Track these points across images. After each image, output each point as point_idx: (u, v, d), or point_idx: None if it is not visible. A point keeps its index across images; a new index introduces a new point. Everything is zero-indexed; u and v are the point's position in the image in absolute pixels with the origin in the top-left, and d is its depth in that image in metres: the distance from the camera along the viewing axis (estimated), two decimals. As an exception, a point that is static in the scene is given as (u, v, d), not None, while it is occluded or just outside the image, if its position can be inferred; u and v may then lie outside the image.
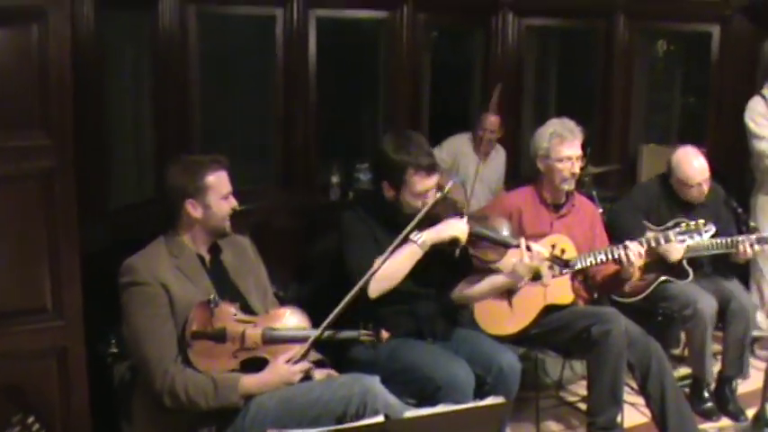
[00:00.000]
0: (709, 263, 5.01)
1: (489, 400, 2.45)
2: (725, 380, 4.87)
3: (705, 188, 4.80)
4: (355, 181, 6.05)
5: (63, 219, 3.25)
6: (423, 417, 2.32)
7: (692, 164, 4.78)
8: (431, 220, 3.52)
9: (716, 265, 5.01)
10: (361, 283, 3.23)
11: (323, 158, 6.05)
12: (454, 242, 3.52)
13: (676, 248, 4.49)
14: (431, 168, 3.57)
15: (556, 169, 4.19)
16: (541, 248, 3.64)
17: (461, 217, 3.58)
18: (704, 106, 7.09)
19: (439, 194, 3.53)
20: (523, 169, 6.46)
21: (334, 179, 5.99)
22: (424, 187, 3.56)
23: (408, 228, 3.39)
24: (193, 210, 3.15)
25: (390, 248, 3.33)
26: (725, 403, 4.83)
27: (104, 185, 4.47)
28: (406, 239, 3.42)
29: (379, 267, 3.32)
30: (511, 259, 3.69)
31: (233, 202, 3.23)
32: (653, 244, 4.17)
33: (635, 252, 4.05)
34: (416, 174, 3.54)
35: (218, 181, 3.17)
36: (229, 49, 5.75)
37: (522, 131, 6.82)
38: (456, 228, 3.52)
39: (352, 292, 3.16)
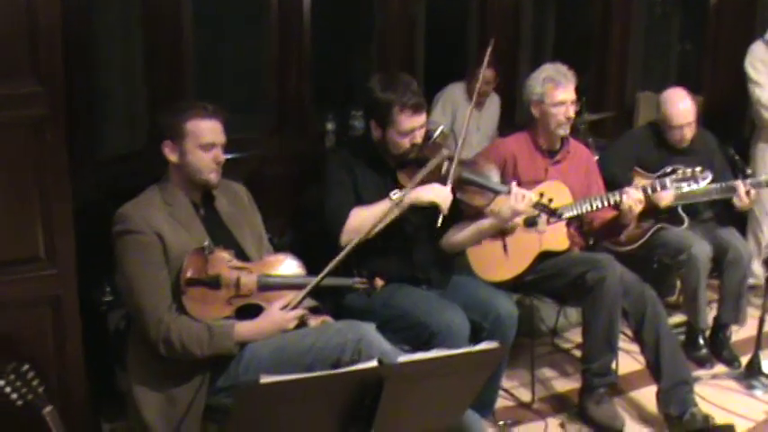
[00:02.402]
0: (709, 209, 5.01)
1: (483, 345, 2.44)
2: (720, 326, 4.91)
3: (687, 133, 4.80)
4: (350, 128, 6.00)
5: (54, 166, 3.21)
6: (416, 361, 2.31)
7: (677, 105, 4.77)
8: (419, 163, 3.50)
9: (716, 213, 5.01)
10: (362, 236, 3.19)
11: (318, 106, 5.99)
12: (434, 207, 3.48)
13: (666, 195, 4.49)
14: (417, 107, 3.56)
15: (551, 114, 4.17)
16: (529, 193, 3.63)
17: (451, 161, 3.55)
18: (701, 53, 7.03)
19: (443, 150, 3.51)
20: (519, 115, 6.43)
21: (330, 126, 5.93)
22: (410, 125, 3.55)
23: (410, 183, 3.40)
24: (170, 152, 3.11)
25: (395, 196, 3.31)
26: (719, 349, 4.88)
27: (96, 134, 4.43)
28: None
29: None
30: (498, 203, 3.67)
31: (217, 156, 3.13)
32: (649, 191, 4.15)
33: (634, 198, 4.02)
34: (402, 112, 3.53)
35: (198, 129, 3.08)
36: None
37: (518, 78, 6.75)
38: (438, 194, 3.48)
39: (353, 243, 3.12)
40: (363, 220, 3.36)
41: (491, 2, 6.72)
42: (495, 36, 6.25)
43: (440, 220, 3.48)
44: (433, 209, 3.48)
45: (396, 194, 3.44)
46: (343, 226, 3.48)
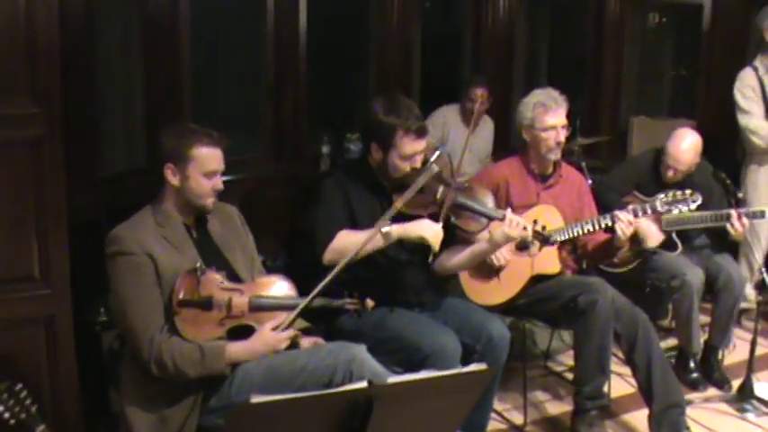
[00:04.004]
0: (703, 236, 5.05)
1: (473, 367, 2.46)
2: (711, 349, 4.93)
3: (674, 174, 4.85)
4: (345, 151, 6.03)
5: (51, 187, 3.23)
6: (406, 382, 2.33)
7: (678, 145, 4.84)
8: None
9: (710, 240, 5.05)
10: (348, 260, 3.20)
11: (313, 129, 6.02)
12: (423, 242, 3.47)
13: (654, 235, 4.51)
14: (420, 132, 3.57)
15: (541, 139, 4.20)
16: (523, 221, 3.61)
17: (446, 186, 3.57)
18: (695, 78, 7.09)
19: (432, 167, 3.51)
20: (513, 139, 6.47)
21: (325, 149, 5.96)
22: (412, 150, 3.56)
23: (400, 200, 3.36)
24: (172, 176, 3.12)
25: (386, 215, 3.30)
26: (710, 372, 4.90)
27: (94, 154, 4.45)
28: (408, 216, 3.41)
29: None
30: (492, 229, 3.69)
31: (217, 183, 3.16)
32: (640, 213, 4.17)
33: (625, 221, 4.04)
34: (406, 136, 3.54)
35: (203, 156, 3.10)
36: (220, 18, 5.72)
37: (512, 102, 6.80)
38: (426, 230, 3.46)
39: (341, 265, 3.13)
40: (349, 244, 3.36)
41: (486, 27, 6.79)
42: (489, 59, 6.40)
43: (431, 258, 3.49)
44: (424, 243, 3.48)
45: (386, 227, 3.42)
46: (328, 245, 3.49)
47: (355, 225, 3.59)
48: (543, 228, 3.65)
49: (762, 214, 4.63)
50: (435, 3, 7.11)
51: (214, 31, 5.65)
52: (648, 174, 4.98)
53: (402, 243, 3.55)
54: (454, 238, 3.75)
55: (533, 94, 4.28)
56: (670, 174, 4.85)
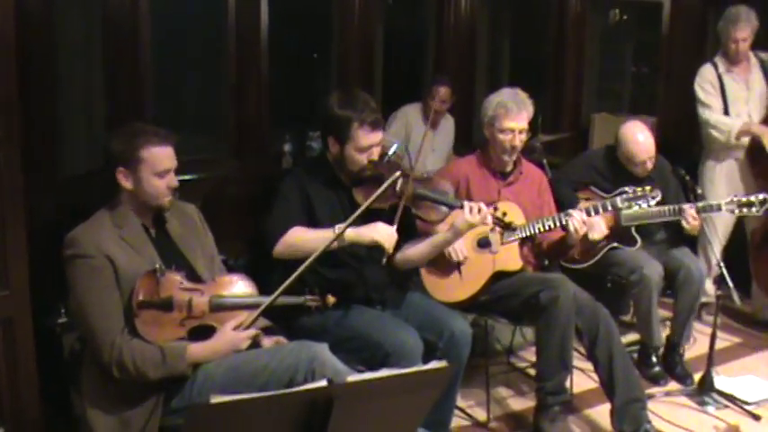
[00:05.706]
0: (662, 231, 5.09)
1: (433, 364, 2.47)
2: (673, 345, 4.97)
3: (649, 165, 4.86)
4: (307, 149, 6.02)
5: (9, 189, 3.20)
6: (366, 381, 2.34)
7: (638, 141, 4.82)
8: (374, 180, 3.52)
9: (669, 234, 5.09)
10: (318, 253, 3.19)
11: (275, 127, 6.01)
12: (377, 246, 3.47)
13: (597, 228, 4.54)
14: (375, 123, 3.59)
15: (497, 139, 4.24)
16: (484, 206, 3.64)
17: (406, 178, 3.58)
18: (655, 76, 7.16)
19: (397, 172, 3.52)
20: (475, 137, 6.50)
21: (287, 148, 5.95)
22: (368, 142, 3.58)
23: (367, 202, 3.37)
24: (124, 179, 3.10)
25: (352, 217, 3.32)
26: (672, 367, 4.94)
27: (55, 155, 4.41)
28: (368, 209, 3.40)
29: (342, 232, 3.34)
30: (452, 218, 3.71)
31: (171, 181, 3.14)
32: (600, 210, 4.21)
33: (578, 219, 4.09)
34: (361, 128, 3.56)
35: (153, 156, 3.08)
36: (181, 17, 5.69)
37: (474, 100, 6.84)
38: (379, 233, 3.47)
39: (305, 265, 3.14)
40: (302, 240, 3.38)
41: (448, 25, 6.79)
42: (452, 58, 6.40)
43: (384, 260, 3.49)
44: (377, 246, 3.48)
45: (340, 228, 3.42)
46: (280, 238, 3.49)
47: (313, 219, 3.59)
48: (504, 214, 3.67)
49: (719, 207, 4.67)
50: (398, 1, 7.11)
51: (175, 30, 5.62)
52: (603, 170, 5.00)
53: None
54: (415, 230, 3.77)
55: (500, 93, 4.30)
56: (640, 171, 4.84)
